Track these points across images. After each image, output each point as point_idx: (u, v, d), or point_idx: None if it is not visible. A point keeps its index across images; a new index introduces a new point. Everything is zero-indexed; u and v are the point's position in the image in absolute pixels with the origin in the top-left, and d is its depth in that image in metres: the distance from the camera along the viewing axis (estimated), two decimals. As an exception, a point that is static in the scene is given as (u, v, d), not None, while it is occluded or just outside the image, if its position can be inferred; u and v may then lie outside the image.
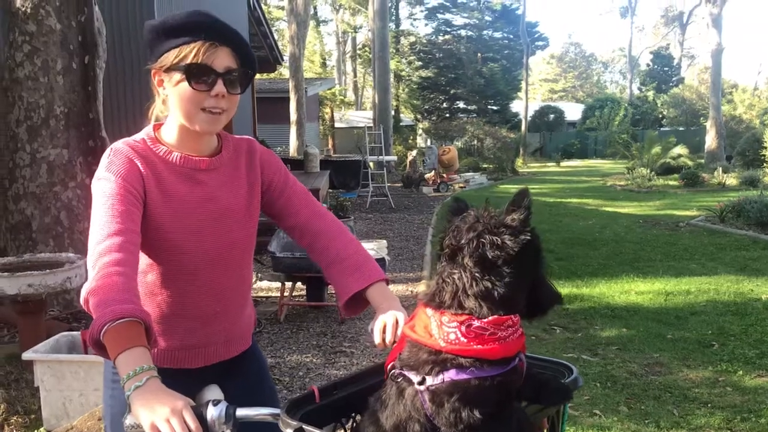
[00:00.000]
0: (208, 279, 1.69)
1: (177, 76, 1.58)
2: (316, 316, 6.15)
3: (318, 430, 1.16)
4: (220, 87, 1.58)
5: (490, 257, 1.10)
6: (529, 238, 1.13)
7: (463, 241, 1.12)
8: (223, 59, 1.59)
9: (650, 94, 42.15)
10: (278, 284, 6.23)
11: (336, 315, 6.07)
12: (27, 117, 5.55)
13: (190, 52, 1.56)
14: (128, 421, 1.25)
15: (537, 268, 1.21)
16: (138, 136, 1.68)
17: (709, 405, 4.17)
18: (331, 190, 14.34)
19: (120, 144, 1.65)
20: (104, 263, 1.42)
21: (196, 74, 1.57)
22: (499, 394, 1.14)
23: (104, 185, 1.57)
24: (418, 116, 35.45)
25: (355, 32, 42.70)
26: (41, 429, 3.60)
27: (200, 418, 1.26)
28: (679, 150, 22.89)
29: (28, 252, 5.32)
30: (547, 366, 1.41)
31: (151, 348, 1.35)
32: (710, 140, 25.42)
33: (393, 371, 1.22)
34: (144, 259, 1.64)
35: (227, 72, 1.59)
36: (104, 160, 1.62)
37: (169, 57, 1.59)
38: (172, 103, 1.63)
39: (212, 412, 1.28)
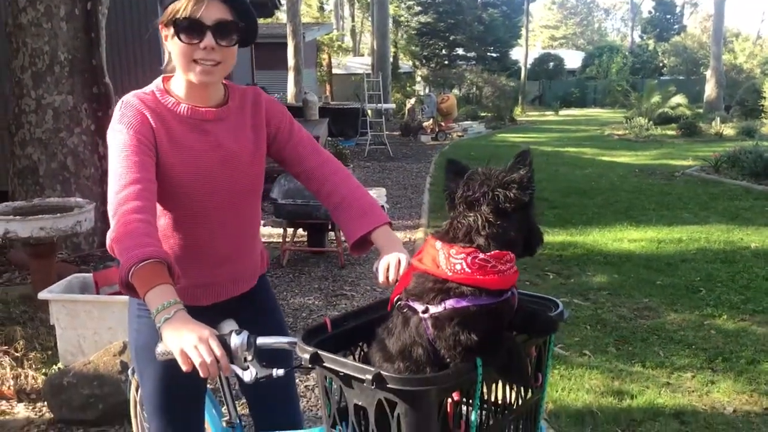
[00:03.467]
0: (218, 222, 1.80)
1: (172, 30, 1.67)
2: (317, 261, 6.33)
3: (331, 354, 1.31)
4: (208, 40, 1.65)
5: (501, 207, 1.29)
6: (533, 192, 1.31)
7: (477, 194, 1.29)
8: (213, 12, 1.65)
9: (651, 42, 41.72)
10: (280, 230, 6.38)
11: (336, 260, 6.24)
12: (31, 63, 5.61)
13: (181, 6, 1.64)
14: (159, 348, 1.39)
15: (531, 214, 1.36)
16: (148, 89, 1.78)
17: (693, 346, 4.38)
18: (329, 138, 14.37)
19: (130, 96, 1.74)
20: (124, 211, 1.53)
21: (184, 28, 1.65)
22: (494, 321, 1.29)
23: (118, 137, 1.66)
24: (417, 63, 35.11)
25: (354, -25, 41.91)
26: (58, 364, 3.79)
27: (224, 345, 1.39)
28: (679, 99, 22.84)
29: (36, 197, 5.45)
30: (536, 301, 1.57)
31: (177, 283, 1.47)
32: (710, 90, 25.32)
33: (399, 302, 1.39)
34: (157, 206, 1.74)
35: (217, 24, 1.66)
36: (116, 112, 1.71)
37: (167, 12, 1.67)
38: (173, 57, 1.72)
39: (235, 341, 1.42)
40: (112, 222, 1.53)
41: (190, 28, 1.64)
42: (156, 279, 1.42)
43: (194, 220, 1.78)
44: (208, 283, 1.85)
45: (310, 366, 1.33)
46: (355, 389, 1.28)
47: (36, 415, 3.40)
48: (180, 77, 1.75)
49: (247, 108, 1.85)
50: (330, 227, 6.26)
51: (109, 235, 1.52)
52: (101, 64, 5.89)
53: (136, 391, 2.36)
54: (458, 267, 1.28)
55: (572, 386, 3.78)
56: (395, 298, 1.41)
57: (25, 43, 5.61)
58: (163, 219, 1.77)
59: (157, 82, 1.79)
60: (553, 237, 7.16)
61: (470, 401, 1.31)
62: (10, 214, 4.60)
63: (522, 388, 1.44)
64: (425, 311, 1.30)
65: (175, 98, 1.75)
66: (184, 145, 1.73)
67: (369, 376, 1.18)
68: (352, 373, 1.25)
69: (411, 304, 1.34)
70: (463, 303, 1.26)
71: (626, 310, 5.08)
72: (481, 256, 1.27)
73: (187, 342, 1.33)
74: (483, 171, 1.33)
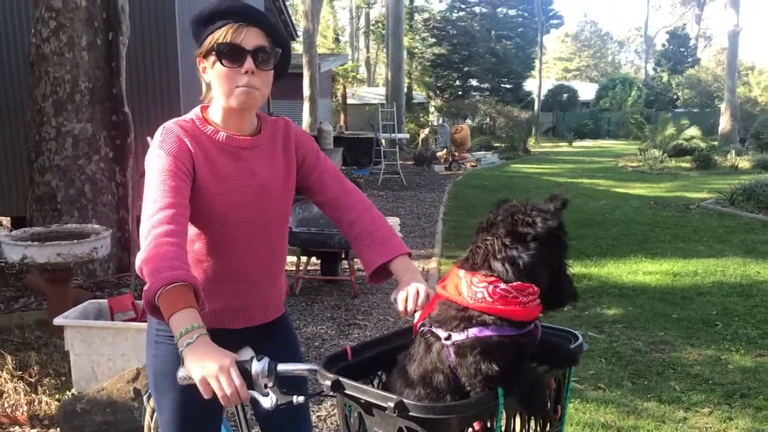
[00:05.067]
0: (250, 248, 1.84)
1: (212, 58, 1.74)
2: (330, 290, 6.32)
3: (352, 381, 1.31)
4: (249, 64, 1.71)
5: (519, 231, 1.30)
6: (554, 224, 1.33)
7: (499, 217, 1.31)
8: (252, 38, 1.72)
9: (665, 74, 41.85)
10: (293, 258, 6.39)
11: (349, 289, 6.23)
12: (53, 92, 5.71)
13: (221, 34, 1.71)
14: (181, 373, 1.41)
15: (559, 259, 1.37)
16: (187, 116, 1.83)
17: (710, 381, 4.31)
18: (343, 167, 14.45)
19: (171, 124, 1.79)
20: (156, 234, 1.56)
21: (226, 53, 1.71)
22: (516, 352, 1.30)
23: (156, 162, 1.71)
24: (431, 94, 35.38)
25: (369, 7, 42.53)
26: (72, 390, 3.79)
27: (245, 372, 1.41)
28: (693, 132, 22.82)
29: (53, 222, 5.51)
30: (556, 333, 1.57)
31: (201, 309, 1.48)
32: (724, 122, 25.29)
33: (422, 329, 1.39)
34: (192, 230, 1.79)
35: (256, 50, 1.73)
36: (156, 138, 1.76)
37: (206, 43, 1.75)
38: (213, 85, 1.78)
39: (256, 367, 1.43)
40: (143, 244, 1.56)
41: (231, 52, 1.71)
42: (181, 302, 1.44)
43: (228, 245, 1.81)
44: (241, 306, 1.88)
45: (331, 393, 1.33)
46: (375, 417, 1.28)
47: (49, 440, 3.40)
48: (217, 106, 1.80)
49: (278, 138, 1.90)
50: (343, 256, 6.26)
51: (139, 256, 1.54)
52: (121, 93, 5.99)
53: (151, 417, 2.36)
54: (480, 295, 1.29)
55: (587, 420, 3.73)
56: (419, 325, 1.42)
57: (47, 72, 5.71)
58: (198, 243, 1.81)
59: (196, 110, 1.85)
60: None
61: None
62: (27, 239, 4.65)
63: (541, 421, 1.44)
64: (448, 338, 1.31)
65: (213, 126, 1.81)
66: (221, 171, 1.77)
67: (391, 404, 1.19)
68: (373, 401, 1.26)
69: (434, 330, 1.35)
70: (486, 332, 1.27)
71: (641, 344, 5.03)
72: (503, 285, 1.28)
73: (208, 371, 1.35)
74: (515, 201, 1.35)
